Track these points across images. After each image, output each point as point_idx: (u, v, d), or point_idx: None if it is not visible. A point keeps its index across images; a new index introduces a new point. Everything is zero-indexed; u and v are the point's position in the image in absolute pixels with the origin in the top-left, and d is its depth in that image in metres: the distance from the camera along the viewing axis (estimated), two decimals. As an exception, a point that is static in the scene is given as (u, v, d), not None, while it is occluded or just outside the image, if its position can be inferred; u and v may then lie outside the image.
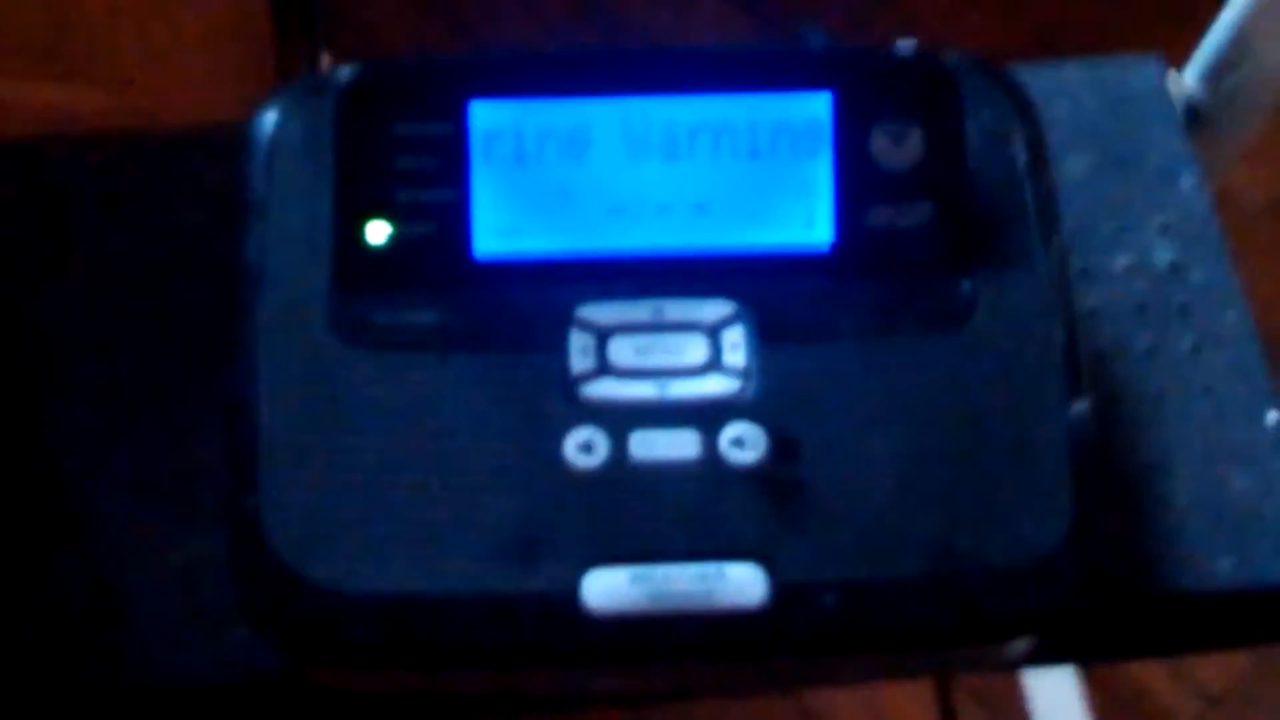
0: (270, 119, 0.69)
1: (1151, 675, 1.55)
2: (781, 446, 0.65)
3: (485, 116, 0.68)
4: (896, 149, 0.69)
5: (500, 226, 0.68)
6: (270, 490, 0.65)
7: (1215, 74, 0.91)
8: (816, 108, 0.69)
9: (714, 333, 0.67)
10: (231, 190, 0.69)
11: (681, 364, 0.67)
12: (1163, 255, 0.82)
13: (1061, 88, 0.87)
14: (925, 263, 0.68)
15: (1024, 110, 0.70)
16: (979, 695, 1.52)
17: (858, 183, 0.68)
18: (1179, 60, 0.92)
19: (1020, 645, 0.69)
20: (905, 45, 0.72)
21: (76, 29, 1.45)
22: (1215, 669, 1.56)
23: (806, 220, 0.68)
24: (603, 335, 0.67)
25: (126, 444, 0.77)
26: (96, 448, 0.77)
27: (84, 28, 1.45)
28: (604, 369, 0.66)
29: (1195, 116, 0.91)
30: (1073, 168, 0.84)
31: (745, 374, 0.66)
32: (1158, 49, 0.89)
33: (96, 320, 0.81)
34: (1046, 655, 0.73)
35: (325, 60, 0.69)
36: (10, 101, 1.48)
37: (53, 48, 1.46)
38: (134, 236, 0.83)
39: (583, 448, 0.65)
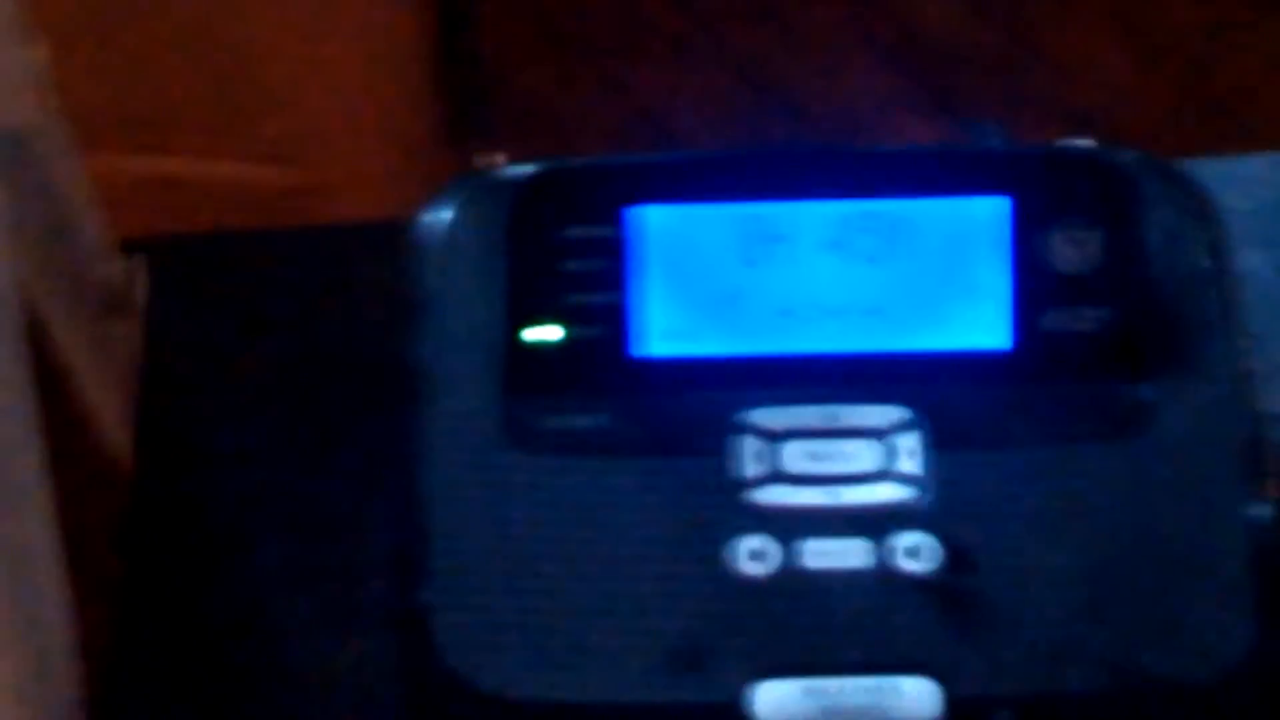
0: (441, 216, 0.69)
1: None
2: (956, 557, 0.64)
3: (655, 220, 0.68)
4: (1075, 251, 0.67)
5: (668, 330, 0.68)
6: (439, 594, 0.65)
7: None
8: (995, 211, 0.68)
9: (886, 438, 0.66)
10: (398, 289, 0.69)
11: (853, 470, 0.66)
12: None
13: (1239, 182, 0.85)
14: (1105, 368, 0.67)
15: (1203, 209, 0.69)
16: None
17: (1036, 286, 0.67)
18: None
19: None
20: (1083, 144, 0.71)
21: (244, 103, 1.47)
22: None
23: (983, 324, 0.67)
24: (773, 440, 0.66)
25: (296, 544, 0.77)
26: (269, 545, 0.77)
27: (252, 102, 1.47)
28: (775, 475, 0.66)
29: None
30: (1254, 264, 0.82)
31: (920, 482, 0.65)
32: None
33: (266, 417, 0.81)
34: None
35: (498, 157, 0.69)
36: (182, 178, 1.50)
37: (221, 124, 1.48)
38: (303, 338, 0.83)
39: (753, 555, 0.65)
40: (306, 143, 1.50)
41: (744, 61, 1.86)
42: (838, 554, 0.65)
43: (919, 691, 0.63)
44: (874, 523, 0.65)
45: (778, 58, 1.86)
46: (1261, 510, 0.65)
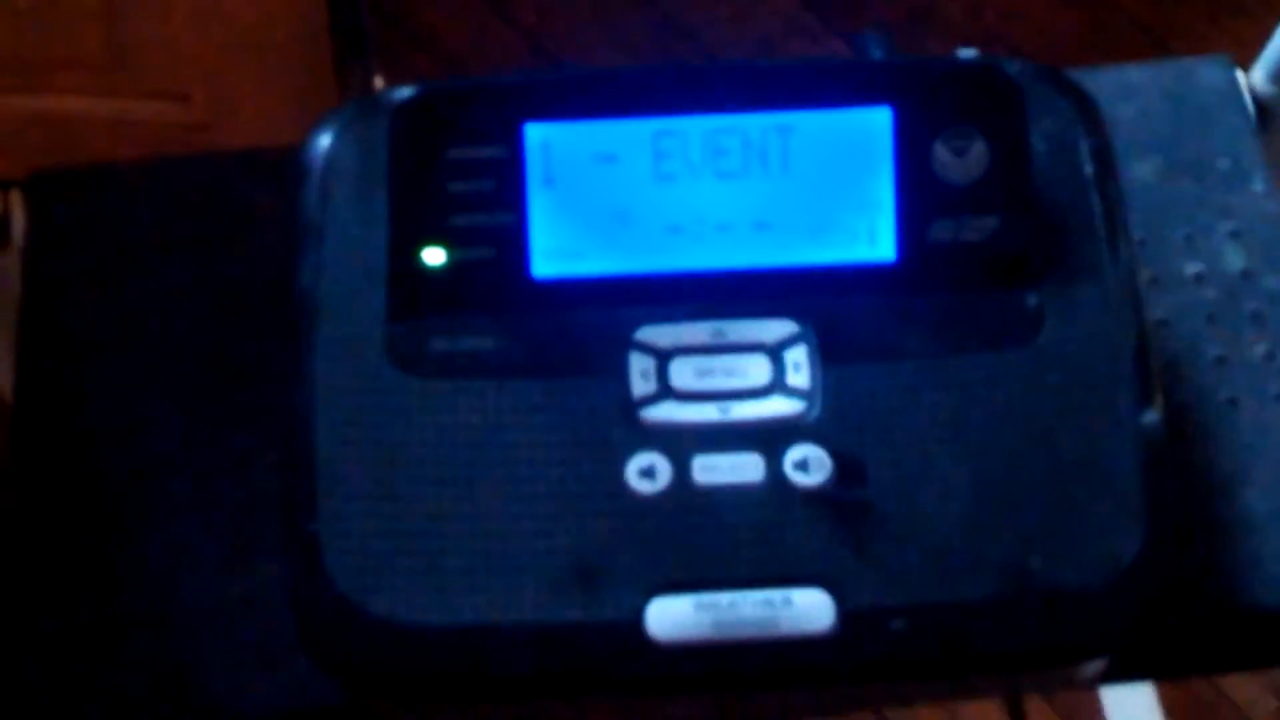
0: (323, 144, 0.68)
1: (1238, 683, 1.54)
2: (847, 468, 0.64)
3: (541, 138, 0.67)
4: (960, 161, 0.67)
5: (558, 249, 0.67)
6: (329, 521, 0.64)
7: (1283, 71, 0.90)
8: (877, 122, 0.67)
9: (776, 353, 0.66)
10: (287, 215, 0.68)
11: (744, 385, 0.66)
12: (1233, 261, 0.80)
13: (1127, 91, 0.85)
14: (991, 277, 0.67)
15: (1090, 117, 0.69)
16: (1052, 699, 1.51)
17: (920, 197, 0.67)
18: (1247, 60, 0.91)
19: (1092, 667, 0.68)
20: (966, 54, 0.71)
21: (134, 44, 1.45)
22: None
23: (869, 236, 0.67)
24: (663, 358, 0.66)
25: (188, 474, 0.76)
26: (157, 478, 0.76)
27: (141, 42, 1.45)
28: (665, 392, 0.65)
29: (1266, 117, 0.89)
30: (1140, 173, 0.83)
31: (809, 394, 0.65)
32: (1224, 49, 0.88)
33: (153, 350, 0.80)
34: (1118, 675, 0.72)
35: (379, 81, 0.68)
36: (70, 116, 1.48)
37: (111, 63, 1.46)
38: (193, 263, 0.82)
39: (644, 473, 0.64)
40: (196, 77, 1.48)
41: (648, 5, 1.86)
42: (728, 469, 0.64)
43: (811, 603, 0.63)
44: (764, 437, 0.65)
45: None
46: (1149, 416, 0.65)
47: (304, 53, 1.48)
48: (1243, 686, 1.54)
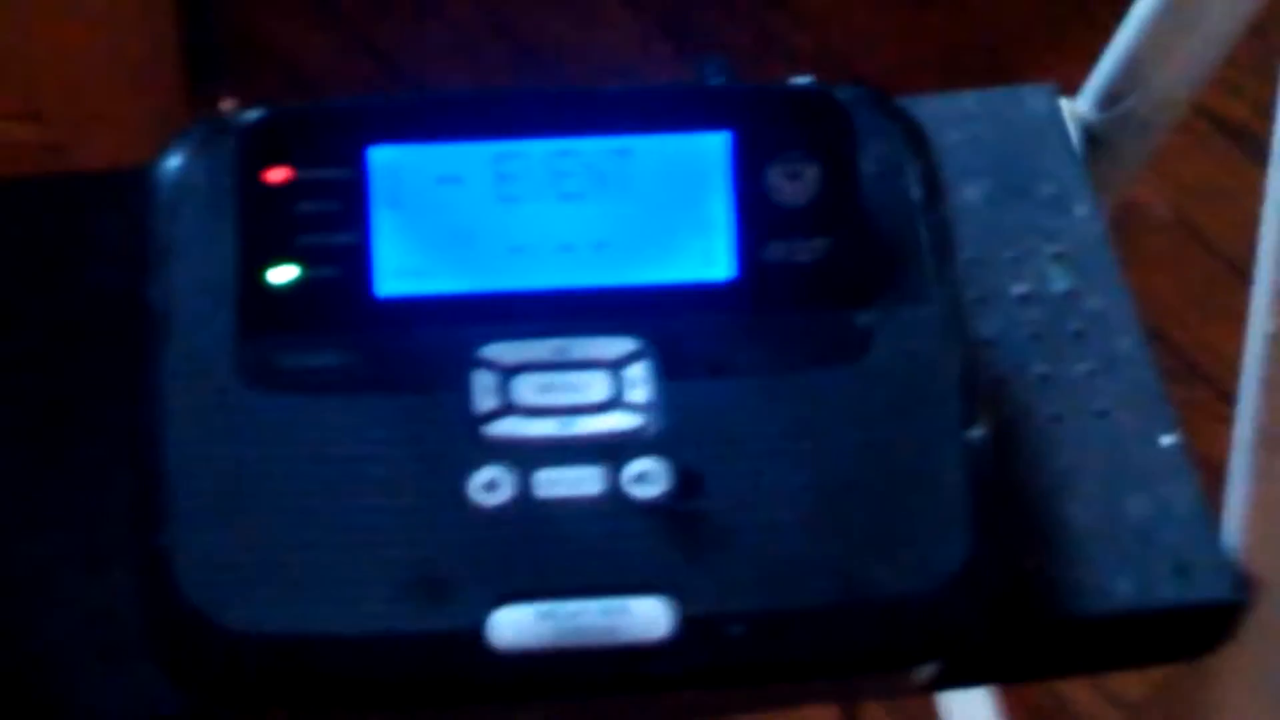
0: (171, 164, 0.70)
1: (1070, 685, 1.57)
2: (685, 481, 0.66)
3: (384, 160, 0.69)
4: (793, 185, 0.70)
5: (402, 268, 0.69)
6: (178, 533, 0.65)
7: (1109, 100, 0.93)
8: (713, 146, 0.70)
9: (616, 369, 0.68)
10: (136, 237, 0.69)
11: (584, 401, 0.68)
12: (1058, 282, 0.83)
13: (957, 117, 0.88)
14: (823, 296, 0.69)
15: (918, 142, 0.72)
16: (893, 705, 1.53)
17: (755, 219, 0.69)
18: (1075, 87, 0.94)
19: (925, 671, 0.71)
20: (801, 81, 0.73)
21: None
22: (1134, 678, 1.58)
23: (706, 256, 0.69)
24: (506, 374, 0.68)
25: (39, 487, 0.77)
26: (6, 495, 0.77)
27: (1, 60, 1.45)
28: (508, 408, 0.67)
29: (1092, 141, 0.93)
30: (969, 196, 0.85)
31: (648, 410, 0.67)
32: (1052, 78, 0.91)
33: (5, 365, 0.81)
34: (951, 680, 0.74)
35: (229, 104, 0.69)
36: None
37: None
38: (42, 282, 0.83)
39: (487, 487, 0.66)
40: (50, 96, 1.49)
41: (494, 12, 1.87)
42: (570, 482, 0.66)
43: (650, 611, 0.65)
44: (605, 451, 0.67)
45: (529, 8, 1.88)
46: (975, 430, 0.68)
47: (159, 73, 1.48)
48: (1085, 698, 1.57)
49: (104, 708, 0.72)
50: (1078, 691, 1.58)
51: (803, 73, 0.74)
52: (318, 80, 1.77)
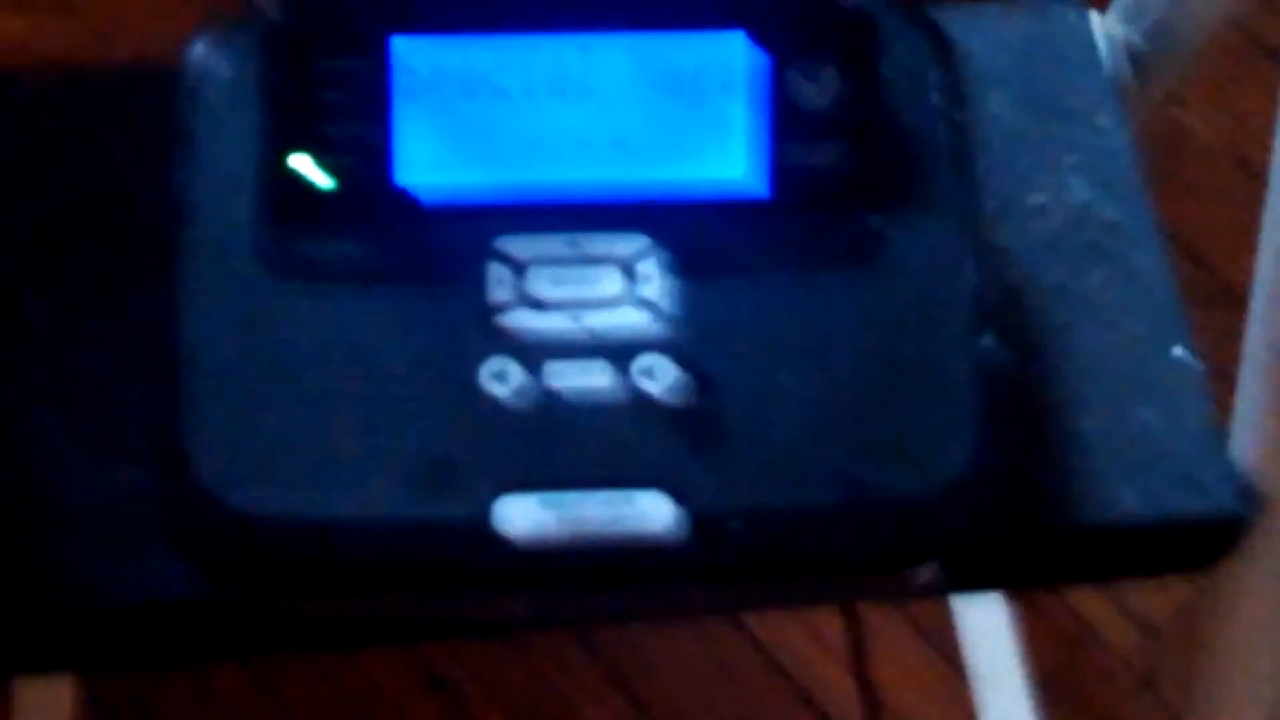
0: (198, 53, 0.70)
1: (1090, 607, 1.57)
2: (693, 378, 0.67)
3: (406, 52, 0.69)
4: (811, 87, 0.70)
5: (421, 161, 0.69)
6: (192, 417, 0.67)
7: (1139, 14, 0.92)
8: (731, 46, 0.70)
9: (628, 266, 0.69)
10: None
11: (596, 296, 0.68)
12: (1076, 193, 0.83)
13: (981, 28, 0.88)
14: (839, 200, 0.70)
15: (940, 50, 0.72)
16: (914, 622, 1.54)
17: (772, 120, 0.70)
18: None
19: (924, 574, 0.71)
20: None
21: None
22: (1155, 600, 1.58)
23: (722, 157, 0.70)
24: (519, 267, 0.68)
25: (57, 372, 0.78)
26: (26, 376, 0.78)
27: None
28: (520, 300, 0.68)
29: (1118, 58, 0.93)
30: (991, 105, 0.85)
31: (660, 308, 0.68)
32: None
33: (29, 252, 0.82)
34: (951, 585, 0.75)
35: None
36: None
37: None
38: (70, 172, 0.84)
39: (497, 377, 0.67)
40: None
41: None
42: (578, 375, 0.67)
43: (654, 505, 0.66)
44: (615, 346, 0.67)
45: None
46: (983, 336, 0.68)
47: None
48: (1108, 620, 1.58)
49: (117, 588, 0.73)
50: (1100, 614, 1.58)
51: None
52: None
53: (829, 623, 1.51)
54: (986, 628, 1.37)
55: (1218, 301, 1.68)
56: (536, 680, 1.48)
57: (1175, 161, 1.78)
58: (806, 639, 1.52)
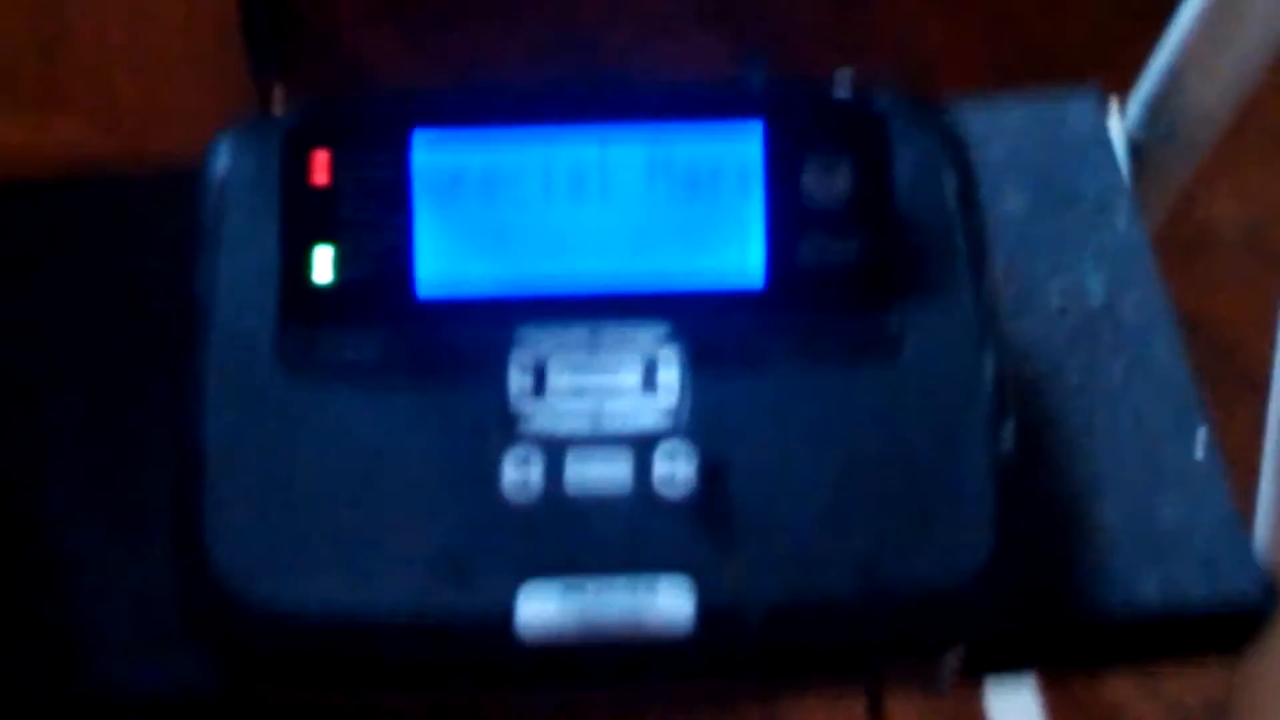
0: (220, 157, 0.71)
1: (1124, 694, 1.57)
2: (711, 471, 0.67)
3: (426, 158, 0.70)
4: (827, 185, 0.71)
5: (441, 264, 0.70)
6: (215, 514, 0.67)
7: (1153, 109, 0.93)
8: (748, 144, 0.71)
9: (648, 364, 0.69)
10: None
11: (616, 393, 0.69)
12: (1095, 293, 0.84)
13: (1000, 124, 0.89)
14: (854, 296, 0.70)
15: (955, 148, 0.73)
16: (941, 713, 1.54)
17: (788, 218, 0.71)
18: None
19: (951, 661, 0.72)
20: (841, 78, 0.74)
21: (66, 64, 1.48)
22: (1189, 684, 1.57)
23: (739, 254, 0.71)
24: (539, 366, 0.69)
25: (82, 474, 0.79)
26: (54, 476, 0.79)
27: (73, 63, 1.48)
28: (540, 398, 0.69)
29: (1136, 154, 0.94)
30: (1010, 205, 0.86)
31: (677, 404, 0.68)
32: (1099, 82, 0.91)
33: (56, 354, 0.83)
34: (975, 673, 0.75)
35: (281, 92, 0.71)
36: (9, 141, 1.51)
37: (43, 84, 1.48)
38: (97, 272, 0.85)
39: (518, 474, 0.67)
40: (126, 107, 1.51)
41: (563, 20, 1.89)
42: (599, 470, 0.68)
43: (675, 594, 0.66)
44: (634, 440, 0.68)
45: (600, 20, 1.89)
46: (1002, 430, 0.68)
47: (224, 73, 1.51)
48: (1143, 709, 1.57)
49: (140, 685, 0.74)
50: (1133, 701, 1.57)
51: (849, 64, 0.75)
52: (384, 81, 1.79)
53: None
54: (1018, 716, 1.37)
55: (1240, 393, 1.69)
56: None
57: (1196, 253, 1.78)
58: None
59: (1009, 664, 0.81)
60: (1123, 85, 0.96)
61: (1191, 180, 1.00)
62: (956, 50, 1.90)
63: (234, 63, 1.52)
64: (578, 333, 0.69)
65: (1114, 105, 0.91)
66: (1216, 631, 0.78)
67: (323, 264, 0.70)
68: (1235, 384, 1.69)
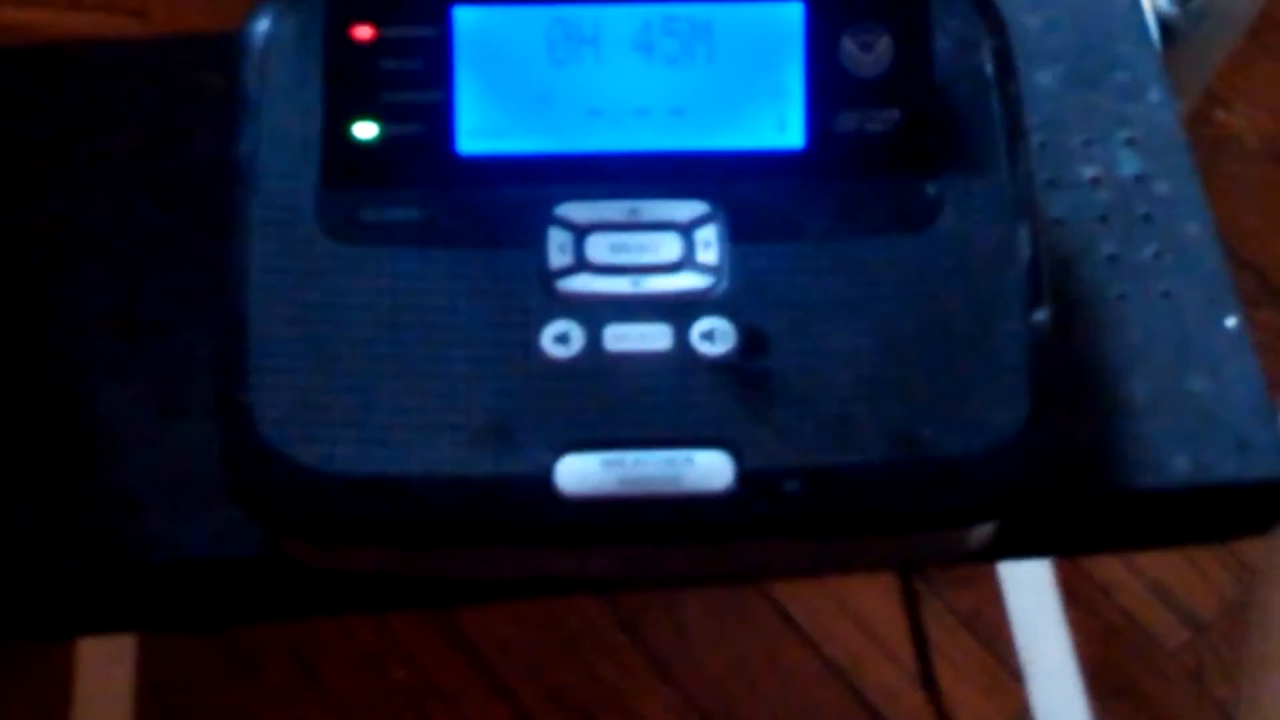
0: (262, 24, 0.72)
1: (1139, 601, 1.58)
2: (750, 339, 0.68)
3: (469, 20, 0.71)
4: (866, 56, 0.71)
5: (482, 127, 0.71)
6: (258, 378, 0.68)
7: (1187, -8, 0.94)
8: (788, 14, 0.71)
9: (687, 231, 0.70)
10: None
11: (655, 261, 0.69)
12: (1128, 166, 0.84)
13: (1033, 4, 0.89)
14: (892, 166, 0.71)
15: (992, 21, 0.73)
16: (959, 616, 1.55)
17: (828, 88, 0.71)
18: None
19: (979, 534, 0.72)
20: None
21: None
22: (1204, 596, 1.59)
23: (778, 124, 0.71)
24: (580, 233, 0.69)
25: (122, 336, 0.79)
26: (94, 340, 0.80)
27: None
28: (581, 265, 0.69)
29: (1169, 35, 0.94)
30: (1044, 80, 0.86)
31: (717, 271, 0.69)
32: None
33: (96, 221, 0.83)
34: (1006, 548, 0.76)
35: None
36: (30, 31, 1.51)
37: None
38: (137, 140, 0.85)
39: (559, 339, 0.68)
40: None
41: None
42: (638, 337, 0.68)
43: (711, 463, 0.67)
44: (673, 309, 0.69)
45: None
46: (1037, 300, 0.69)
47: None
48: (1156, 617, 1.58)
49: (181, 545, 0.75)
50: (1150, 611, 1.59)
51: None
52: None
53: (887, 621, 1.53)
54: (1038, 623, 1.38)
55: (1262, 301, 1.69)
56: (591, 680, 1.50)
57: (1219, 163, 1.78)
58: (859, 633, 1.53)
59: (1039, 543, 0.82)
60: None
61: (1212, 82, 1.00)
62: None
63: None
64: (620, 205, 0.70)
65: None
66: (1245, 510, 0.79)
67: (364, 125, 0.70)
68: (1254, 288, 1.70)
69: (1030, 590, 1.40)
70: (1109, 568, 1.58)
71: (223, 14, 0.74)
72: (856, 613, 1.54)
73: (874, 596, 1.53)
